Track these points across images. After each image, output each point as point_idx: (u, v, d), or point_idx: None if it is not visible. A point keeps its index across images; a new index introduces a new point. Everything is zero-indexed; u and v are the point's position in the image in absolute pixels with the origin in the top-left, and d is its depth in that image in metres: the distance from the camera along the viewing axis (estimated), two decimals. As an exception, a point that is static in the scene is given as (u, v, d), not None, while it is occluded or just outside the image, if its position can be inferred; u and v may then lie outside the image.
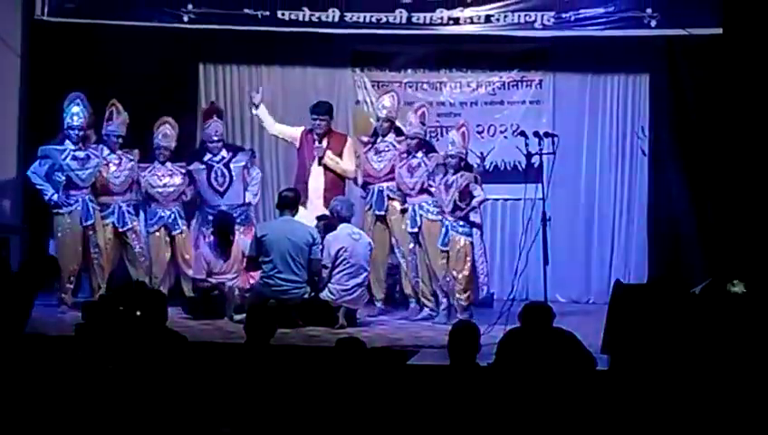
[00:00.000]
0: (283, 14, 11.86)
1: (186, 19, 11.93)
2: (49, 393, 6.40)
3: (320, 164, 11.31)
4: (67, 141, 10.97)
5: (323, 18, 11.81)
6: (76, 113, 10.91)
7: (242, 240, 11.03)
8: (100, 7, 11.92)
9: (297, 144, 11.51)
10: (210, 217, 11.23)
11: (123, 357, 6.93)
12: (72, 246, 10.97)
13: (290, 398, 6.57)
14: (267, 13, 11.85)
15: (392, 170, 11.01)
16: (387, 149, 11.08)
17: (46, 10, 11.91)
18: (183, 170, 11.35)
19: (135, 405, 6.51)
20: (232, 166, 11.33)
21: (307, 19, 11.84)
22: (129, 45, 12.21)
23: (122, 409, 6.44)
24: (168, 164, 11.30)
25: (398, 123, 11.29)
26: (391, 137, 11.11)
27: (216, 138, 11.38)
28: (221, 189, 11.33)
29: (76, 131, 10.91)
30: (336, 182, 11.34)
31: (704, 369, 7.65)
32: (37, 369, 6.68)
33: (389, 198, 11.07)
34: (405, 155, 10.88)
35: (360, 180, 11.29)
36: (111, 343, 7.07)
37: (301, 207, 10.99)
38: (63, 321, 10.08)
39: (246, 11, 11.86)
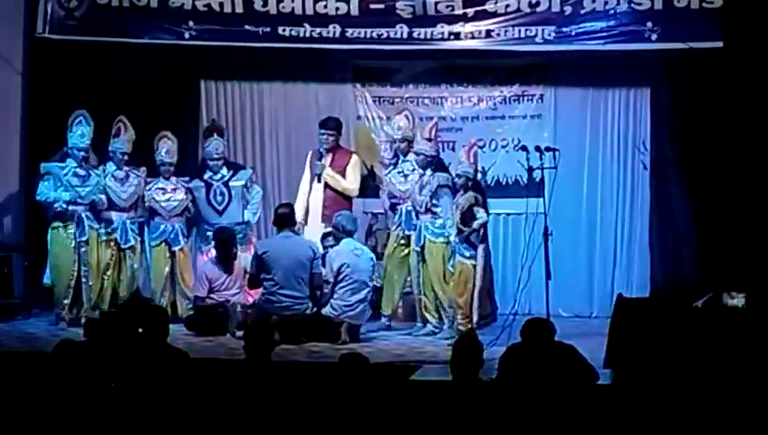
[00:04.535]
0: (283, 30, 11.85)
1: (187, 36, 11.93)
2: (49, 411, 6.39)
3: (318, 181, 11.31)
4: (69, 159, 10.99)
5: (324, 34, 11.80)
6: (82, 135, 10.92)
7: (244, 256, 11.03)
8: (101, 24, 11.92)
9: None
10: (209, 234, 11.26)
11: (125, 374, 6.92)
12: (66, 261, 10.97)
13: (292, 414, 6.56)
14: (268, 29, 11.84)
15: None
16: (411, 169, 11.03)
17: (47, 27, 11.92)
18: (186, 186, 11.38)
19: (137, 422, 6.49)
20: (231, 185, 11.35)
21: (308, 35, 11.83)
22: (131, 62, 12.25)
23: (124, 426, 6.43)
24: (173, 179, 11.32)
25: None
26: (412, 156, 11.05)
27: (216, 156, 11.41)
28: (220, 208, 11.35)
29: (82, 153, 10.94)
30: (336, 199, 11.33)
31: (707, 382, 7.65)
32: (38, 386, 6.66)
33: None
34: (421, 172, 10.89)
35: (386, 203, 11.25)
36: (113, 359, 7.06)
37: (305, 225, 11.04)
38: (63, 338, 10.02)
39: (247, 27, 11.86)
